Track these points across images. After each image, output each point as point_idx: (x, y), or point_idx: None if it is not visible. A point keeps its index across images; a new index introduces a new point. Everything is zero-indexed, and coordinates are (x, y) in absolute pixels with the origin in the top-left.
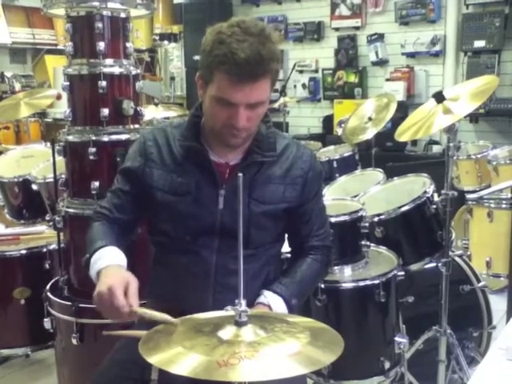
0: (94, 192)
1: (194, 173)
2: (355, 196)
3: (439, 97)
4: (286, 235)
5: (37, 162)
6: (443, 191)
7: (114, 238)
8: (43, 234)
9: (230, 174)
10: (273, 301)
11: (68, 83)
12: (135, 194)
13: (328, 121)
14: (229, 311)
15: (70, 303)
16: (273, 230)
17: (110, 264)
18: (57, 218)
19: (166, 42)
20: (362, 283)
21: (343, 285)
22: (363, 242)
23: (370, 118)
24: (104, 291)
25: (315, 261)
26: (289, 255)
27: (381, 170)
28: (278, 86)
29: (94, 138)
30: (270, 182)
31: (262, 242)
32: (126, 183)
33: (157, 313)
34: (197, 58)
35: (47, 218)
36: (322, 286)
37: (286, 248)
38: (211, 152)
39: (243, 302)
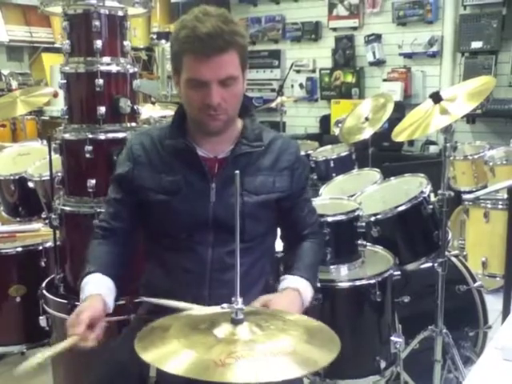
0: (90, 190)
1: (182, 170)
2: (352, 195)
3: (436, 97)
4: (280, 229)
5: (33, 160)
6: (440, 191)
7: (107, 260)
8: (39, 232)
9: (220, 168)
10: (301, 285)
11: (65, 81)
12: (129, 200)
13: (325, 120)
14: (225, 309)
15: (65, 301)
16: (266, 221)
17: (89, 295)
18: (53, 216)
19: (163, 41)
20: (358, 283)
21: (339, 284)
22: (359, 242)
23: (366, 118)
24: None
25: (315, 244)
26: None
27: (377, 169)
28: (275, 85)
29: (90, 136)
30: (260, 173)
31: (257, 234)
32: (119, 191)
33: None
34: None
35: (43, 215)
36: (318, 285)
37: (279, 246)
38: (198, 148)
39: (239, 299)
